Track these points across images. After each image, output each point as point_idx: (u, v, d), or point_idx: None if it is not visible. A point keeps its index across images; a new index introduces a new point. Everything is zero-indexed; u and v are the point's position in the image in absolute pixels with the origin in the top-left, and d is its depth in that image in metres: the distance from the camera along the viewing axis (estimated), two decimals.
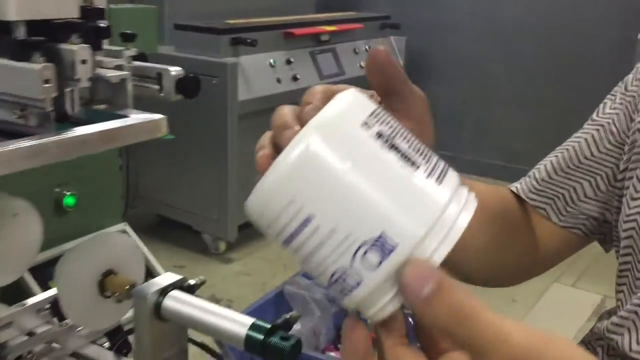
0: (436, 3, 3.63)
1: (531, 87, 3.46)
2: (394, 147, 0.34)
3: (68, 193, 1.17)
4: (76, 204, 1.18)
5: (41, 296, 0.85)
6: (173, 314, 0.67)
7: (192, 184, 2.79)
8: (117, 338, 0.83)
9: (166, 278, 0.70)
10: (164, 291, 0.68)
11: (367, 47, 3.14)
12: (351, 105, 0.35)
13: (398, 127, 0.36)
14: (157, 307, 0.67)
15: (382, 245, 0.32)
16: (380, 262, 0.32)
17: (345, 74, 3.00)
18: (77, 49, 0.67)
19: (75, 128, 0.69)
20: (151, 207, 2.99)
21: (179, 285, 0.69)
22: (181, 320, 0.67)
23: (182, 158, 2.75)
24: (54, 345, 0.79)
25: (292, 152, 0.33)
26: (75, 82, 0.69)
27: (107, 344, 0.84)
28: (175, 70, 0.83)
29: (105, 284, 0.73)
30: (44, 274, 1.17)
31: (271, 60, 2.68)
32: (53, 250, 1.17)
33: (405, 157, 0.34)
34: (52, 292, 0.84)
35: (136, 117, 0.74)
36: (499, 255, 0.70)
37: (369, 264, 0.32)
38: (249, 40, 2.55)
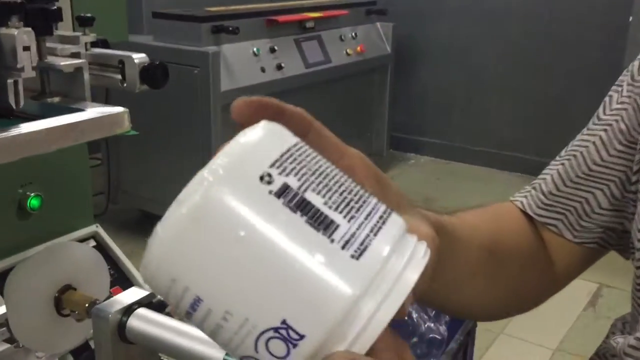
0: None
1: (520, 74, 3.39)
2: (302, 205, 0.27)
3: (32, 194, 1.08)
4: (41, 206, 1.09)
5: None
6: (139, 336, 0.58)
7: (176, 177, 2.69)
8: (84, 357, 0.74)
9: (132, 294, 0.61)
10: (129, 309, 0.59)
11: (353, 34, 3.04)
12: (254, 148, 0.29)
13: (314, 175, 0.29)
14: (121, 328, 0.58)
15: (286, 336, 0.26)
16: (288, 354, 0.26)
17: (331, 62, 2.91)
18: (17, 33, 0.58)
19: (21, 124, 0.59)
20: (133, 202, 2.90)
21: (147, 302, 0.61)
22: (149, 343, 0.58)
23: (164, 151, 2.66)
24: None
25: (170, 218, 0.27)
26: (17, 72, 0.60)
27: None
28: (138, 57, 0.74)
29: (62, 300, 0.64)
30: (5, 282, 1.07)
31: (254, 49, 2.59)
32: (17, 257, 1.08)
33: (316, 219, 0.27)
34: None
35: (93, 111, 0.65)
36: (510, 289, 0.62)
37: (276, 355, 0.26)
38: (230, 28, 2.45)
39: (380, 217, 0.29)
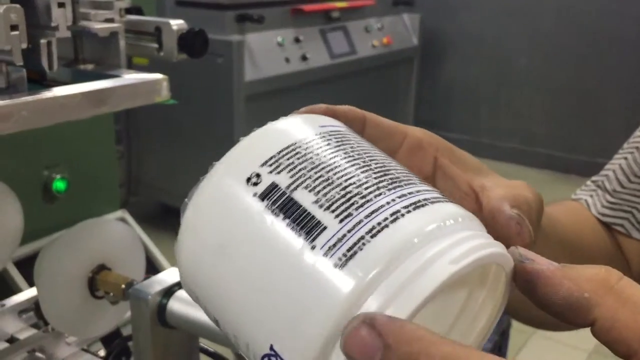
0: None
1: (551, 68, 3.31)
2: (286, 206, 0.24)
3: (58, 176, 1.03)
4: (67, 189, 1.04)
5: (23, 296, 0.72)
6: (181, 319, 0.53)
7: (197, 170, 2.64)
8: (115, 345, 0.69)
9: (172, 274, 0.56)
10: (169, 291, 0.54)
11: (379, 25, 2.98)
12: (254, 144, 0.27)
13: (316, 168, 0.25)
14: (161, 312, 0.53)
15: None
16: None
17: (357, 53, 2.85)
18: None
19: (54, 88, 0.55)
20: (154, 195, 2.87)
21: None
22: (191, 327, 0.53)
23: (185, 143, 2.62)
24: (38, 354, 0.66)
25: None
26: (52, 32, 0.55)
27: (102, 352, 0.71)
28: (176, 23, 0.69)
29: (97, 281, 0.59)
30: (31, 267, 1.04)
31: (279, 39, 2.54)
32: (42, 241, 1.04)
33: (299, 222, 0.23)
34: (35, 291, 0.71)
35: (130, 77, 0.60)
36: None
37: None
38: (255, 17, 2.40)
39: (408, 206, 0.24)
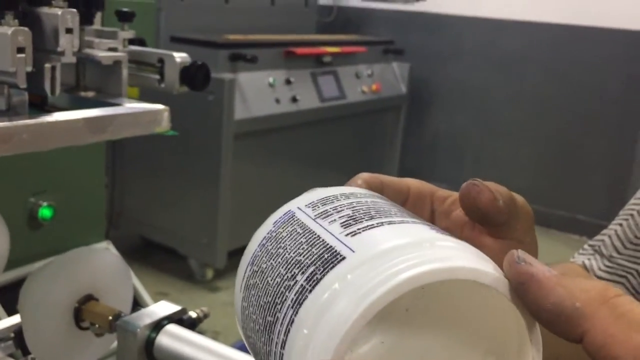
0: (440, 30, 3.55)
1: (535, 120, 3.37)
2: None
3: (44, 204, 1.02)
4: (53, 217, 1.03)
5: (2, 324, 0.69)
6: (168, 354, 0.52)
7: (181, 205, 2.64)
8: None
9: (161, 308, 0.55)
10: (158, 325, 0.53)
11: (369, 72, 3.03)
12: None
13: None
14: (149, 345, 0.52)
15: None
16: None
17: (346, 98, 2.88)
18: (61, 13, 0.53)
19: (56, 113, 0.54)
20: (135, 228, 2.83)
21: (178, 318, 0.54)
22: None
23: (170, 177, 2.61)
24: None
25: None
26: (57, 56, 0.55)
27: None
28: (180, 56, 0.70)
29: (83, 312, 0.58)
30: (14, 295, 1.01)
31: (270, 79, 2.56)
32: (25, 269, 1.02)
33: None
34: (16, 319, 0.68)
35: (132, 106, 0.60)
36: None
37: None
38: (248, 57, 2.43)
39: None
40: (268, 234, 0.29)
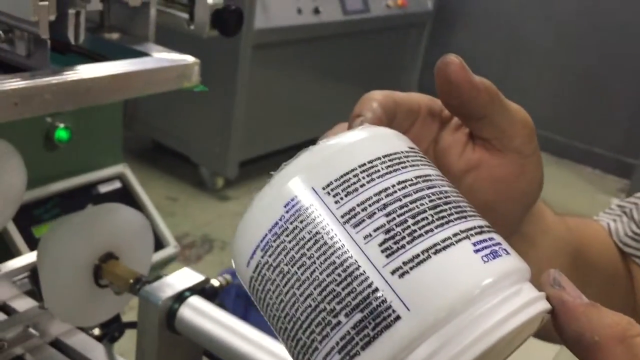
0: None
1: (562, 50, 3.24)
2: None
3: (61, 125, 0.99)
4: (69, 139, 1.00)
5: (19, 262, 0.69)
6: (190, 328, 0.51)
7: (195, 112, 2.60)
8: (112, 329, 0.67)
9: (183, 277, 0.53)
10: (181, 296, 0.51)
11: None
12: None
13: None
14: (171, 317, 0.51)
15: None
16: None
17: (370, 11, 2.77)
18: None
19: (79, 67, 0.50)
20: (148, 131, 2.81)
21: (200, 289, 0.53)
22: (199, 337, 0.51)
23: None
24: (31, 331, 0.63)
25: None
26: (82, 2, 0.50)
27: (97, 331, 0.68)
28: None
29: (103, 271, 0.56)
30: (30, 216, 1.00)
31: None
32: (42, 190, 1.01)
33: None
34: (32, 257, 0.68)
35: (160, 58, 0.56)
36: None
37: None
38: None
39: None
40: (281, 221, 0.26)
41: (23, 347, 0.62)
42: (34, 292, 0.69)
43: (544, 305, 0.25)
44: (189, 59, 0.57)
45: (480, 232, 0.26)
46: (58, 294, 0.55)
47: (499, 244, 0.26)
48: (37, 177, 1.00)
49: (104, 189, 1.07)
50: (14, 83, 0.45)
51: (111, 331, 0.65)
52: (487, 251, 0.25)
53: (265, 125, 2.66)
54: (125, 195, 1.10)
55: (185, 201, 2.59)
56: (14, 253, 0.92)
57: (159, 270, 1.14)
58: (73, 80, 0.47)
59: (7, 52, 0.53)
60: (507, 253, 0.26)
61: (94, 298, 0.57)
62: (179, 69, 0.55)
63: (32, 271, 0.69)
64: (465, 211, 0.26)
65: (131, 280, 0.54)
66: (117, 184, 1.10)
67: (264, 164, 2.72)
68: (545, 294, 0.26)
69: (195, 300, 0.51)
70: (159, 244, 1.15)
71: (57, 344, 0.64)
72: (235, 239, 0.28)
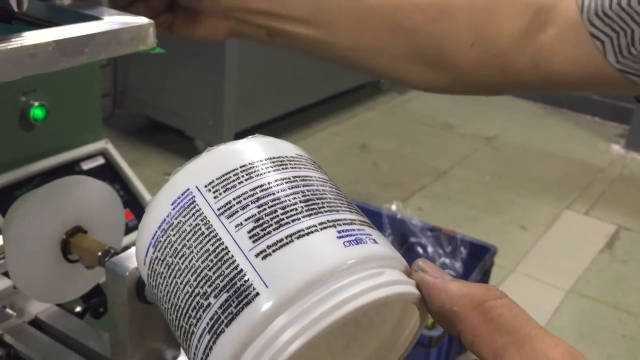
0: None
1: None
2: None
3: (36, 103, 0.97)
4: (46, 117, 0.98)
5: None
6: None
7: (187, 85, 2.57)
8: (92, 303, 0.66)
9: None
10: None
11: None
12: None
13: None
14: (141, 287, 0.49)
15: None
16: None
17: None
18: None
19: (24, 33, 0.48)
20: (140, 108, 2.79)
21: None
22: None
23: (176, 56, 2.52)
24: (8, 311, 0.62)
25: None
26: None
27: (78, 308, 0.67)
28: None
29: (71, 245, 0.55)
30: (9, 198, 0.99)
31: None
32: (22, 170, 0.99)
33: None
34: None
35: (112, 21, 0.53)
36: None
37: None
38: None
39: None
40: (168, 217, 0.29)
41: (0, 327, 0.61)
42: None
43: (406, 288, 0.27)
44: (143, 20, 0.54)
45: (350, 224, 0.27)
46: (26, 271, 0.54)
47: (368, 234, 0.28)
48: (16, 157, 0.98)
49: (86, 165, 1.06)
50: None
51: (92, 306, 0.64)
52: (350, 238, 0.27)
53: (260, 93, 2.63)
54: (109, 171, 1.08)
55: None
56: None
57: None
58: (15, 47, 0.45)
59: None
60: (375, 242, 0.28)
61: (65, 273, 0.56)
62: (132, 31, 0.53)
63: None
64: (339, 207, 0.28)
65: (99, 253, 0.53)
66: (100, 160, 1.08)
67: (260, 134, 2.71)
68: (414, 278, 0.28)
69: None
70: None
71: (35, 323, 0.63)
72: (136, 241, 0.31)
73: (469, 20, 0.57)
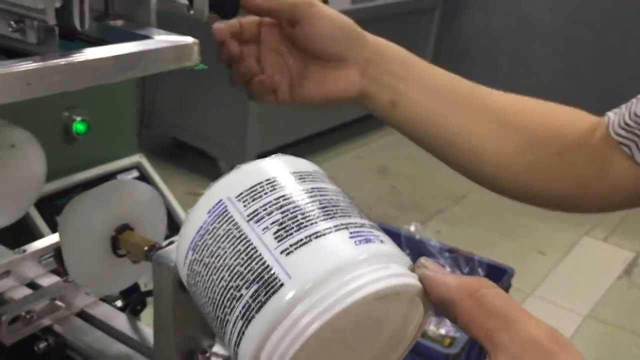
0: None
1: (574, 26, 3.23)
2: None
3: (78, 118, 1.04)
4: (87, 131, 1.05)
5: (43, 242, 0.73)
6: None
7: (211, 107, 2.65)
8: (133, 298, 0.71)
9: None
10: None
11: None
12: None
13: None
14: None
15: None
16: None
17: None
18: None
19: (85, 49, 0.54)
20: (166, 129, 2.87)
21: None
22: None
23: (201, 78, 2.60)
24: (58, 303, 0.67)
25: None
26: None
27: (119, 303, 0.73)
28: None
29: (119, 241, 0.60)
30: (51, 207, 1.05)
31: None
32: (61, 182, 1.05)
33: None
34: (56, 237, 0.72)
35: (161, 39, 0.59)
36: (539, 182, 0.66)
37: None
38: None
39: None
40: (204, 224, 0.34)
41: (51, 318, 0.66)
42: (59, 270, 0.74)
43: (409, 280, 0.32)
44: (189, 39, 0.60)
45: (361, 227, 0.33)
46: (80, 264, 0.59)
47: (376, 236, 0.33)
48: (58, 168, 1.05)
49: (122, 178, 1.12)
50: (27, 65, 0.49)
51: (132, 301, 0.69)
52: (361, 238, 0.32)
53: (282, 116, 2.70)
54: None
55: None
56: None
57: None
58: (80, 61, 0.51)
59: (19, 42, 0.57)
60: (382, 242, 0.32)
61: (113, 267, 0.62)
62: (179, 49, 0.59)
63: (56, 251, 0.73)
64: (351, 213, 0.33)
65: (145, 248, 0.58)
66: (134, 173, 1.14)
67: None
68: (417, 274, 0.33)
69: None
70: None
71: (82, 315, 0.68)
72: (176, 246, 0.36)
73: None
